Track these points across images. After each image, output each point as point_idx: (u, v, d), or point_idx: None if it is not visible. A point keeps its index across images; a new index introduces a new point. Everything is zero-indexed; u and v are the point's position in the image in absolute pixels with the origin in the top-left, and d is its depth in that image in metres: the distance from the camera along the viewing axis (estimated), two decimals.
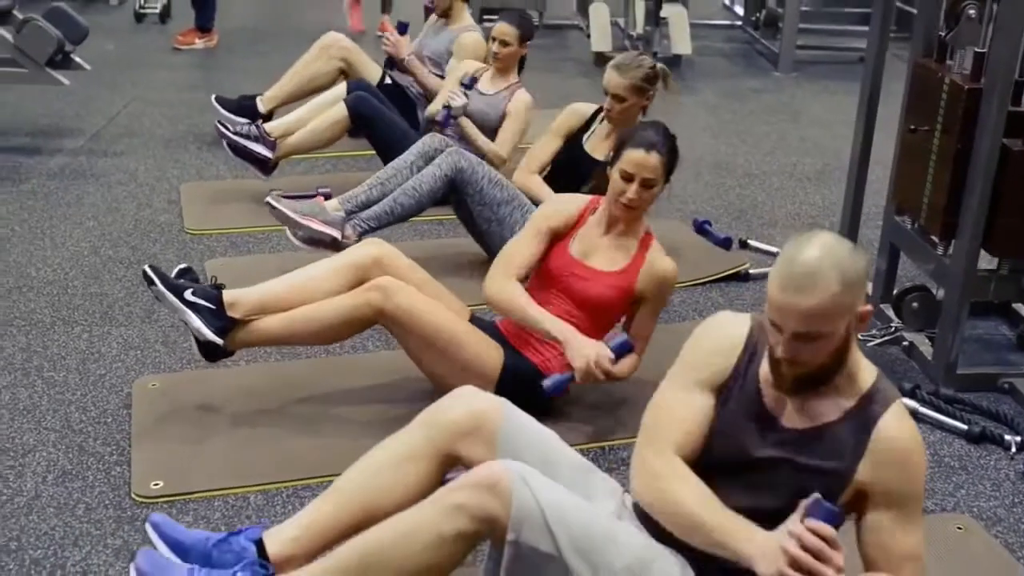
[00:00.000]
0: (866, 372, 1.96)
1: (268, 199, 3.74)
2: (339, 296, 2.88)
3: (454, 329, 2.86)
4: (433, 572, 1.96)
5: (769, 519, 1.85)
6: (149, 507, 2.61)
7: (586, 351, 2.77)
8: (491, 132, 4.32)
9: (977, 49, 3.15)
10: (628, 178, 2.83)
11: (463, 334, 2.87)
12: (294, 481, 2.73)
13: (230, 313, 2.86)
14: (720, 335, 2.05)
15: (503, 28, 4.32)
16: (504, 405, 2.18)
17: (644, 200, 2.87)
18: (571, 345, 2.80)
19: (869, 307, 1.89)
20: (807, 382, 1.92)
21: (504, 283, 2.92)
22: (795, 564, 1.75)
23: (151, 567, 2.05)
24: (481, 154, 4.13)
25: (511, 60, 4.35)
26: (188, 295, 2.85)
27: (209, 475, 2.73)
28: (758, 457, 1.95)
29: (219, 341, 2.85)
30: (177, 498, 2.64)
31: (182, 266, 2.98)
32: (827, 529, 1.76)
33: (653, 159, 2.83)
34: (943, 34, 3.34)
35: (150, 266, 2.87)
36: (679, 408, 1.99)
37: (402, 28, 4.83)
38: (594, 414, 3.08)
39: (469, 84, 4.36)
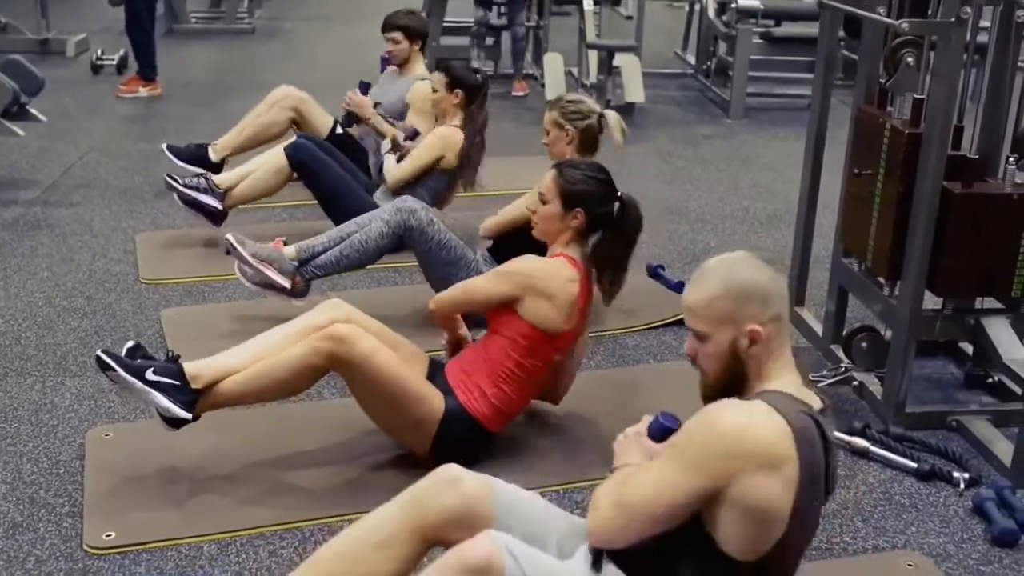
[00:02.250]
0: (772, 385, 2.00)
1: (228, 237, 3.74)
2: (291, 348, 2.85)
3: (403, 380, 2.85)
4: None
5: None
6: (101, 558, 2.59)
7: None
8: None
9: (916, 95, 3.23)
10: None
11: (411, 386, 2.87)
12: (249, 530, 2.72)
13: (194, 385, 2.81)
14: None
15: (434, 76, 4.42)
16: (493, 485, 2.17)
17: (540, 215, 3.03)
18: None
19: (758, 328, 1.95)
20: (713, 395, 2.02)
21: None
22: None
23: None
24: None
25: (441, 106, 4.40)
26: (150, 375, 2.78)
27: (162, 525, 2.72)
28: None
29: (188, 416, 2.80)
30: (130, 549, 2.63)
31: (130, 344, 2.90)
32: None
33: (548, 176, 3.01)
34: (883, 81, 3.42)
35: (104, 351, 2.79)
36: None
37: (364, 88, 4.82)
38: (544, 457, 3.10)
39: (411, 136, 4.51)
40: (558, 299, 2.94)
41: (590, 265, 3.05)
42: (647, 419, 2.23)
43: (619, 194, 3.04)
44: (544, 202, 3.02)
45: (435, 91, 4.41)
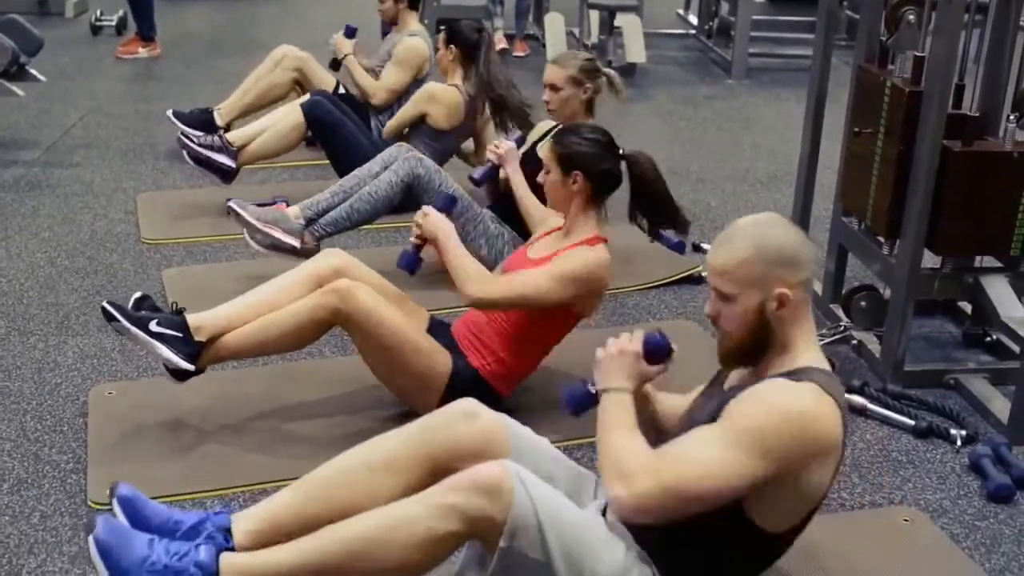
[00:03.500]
0: (807, 360, 1.97)
1: (230, 203, 3.74)
2: (296, 302, 2.89)
3: (407, 334, 2.88)
4: (414, 569, 1.93)
5: None
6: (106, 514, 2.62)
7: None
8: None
9: (917, 53, 3.23)
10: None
11: (415, 340, 2.89)
12: (251, 486, 2.74)
13: (197, 338, 2.84)
14: None
15: (437, 36, 4.48)
16: (508, 422, 2.17)
17: (547, 187, 3.00)
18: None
19: (787, 291, 1.91)
20: (734, 357, 2.01)
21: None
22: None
23: (110, 535, 1.97)
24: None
25: (441, 63, 4.47)
26: (153, 326, 2.81)
27: (165, 480, 2.74)
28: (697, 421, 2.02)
29: (191, 367, 2.83)
30: None
31: (137, 295, 2.93)
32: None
33: (547, 143, 3.04)
34: (884, 39, 3.41)
35: (108, 302, 2.82)
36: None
37: (349, 31, 4.89)
38: (546, 414, 3.10)
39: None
40: (604, 285, 2.99)
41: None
42: (637, 335, 2.13)
43: (622, 151, 3.03)
44: (547, 172, 3.00)
45: (436, 49, 4.46)
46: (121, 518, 2.09)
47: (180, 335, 2.82)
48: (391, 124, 4.51)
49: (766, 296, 1.92)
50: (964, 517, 2.76)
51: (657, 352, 2.11)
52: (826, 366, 1.98)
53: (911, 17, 3.24)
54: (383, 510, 1.95)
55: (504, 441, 2.11)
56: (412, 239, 3.04)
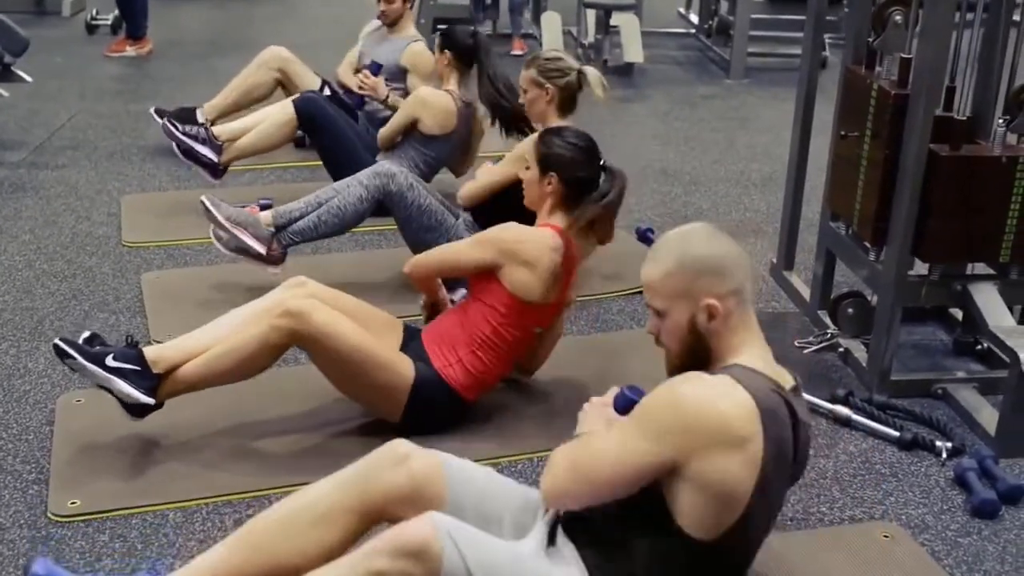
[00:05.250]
0: (734, 359, 1.96)
1: (202, 199, 3.68)
2: (249, 328, 2.79)
3: (368, 349, 2.79)
4: None
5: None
6: (65, 526, 2.56)
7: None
8: None
9: (903, 55, 3.15)
10: None
11: (377, 354, 2.81)
12: (214, 498, 2.68)
13: (155, 370, 2.76)
14: None
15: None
16: (443, 462, 2.10)
17: (525, 182, 3.00)
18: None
19: (715, 302, 1.90)
20: (675, 373, 1.98)
21: None
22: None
23: None
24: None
25: (437, 69, 4.42)
26: (110, 361, 2.73)
27: (128, 493, 2.69)
28: None
29: (151, 401, 2.76)
30: (94, 517, 2.60)
31: (86, 334, 2.83)
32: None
33: (532, 140, 3.03)
34: (871, 40, 3.34)
35: (61, 339, 2.74)
36: None
37: (375, 68, 4.72)
38: (519, 424, 3.06)
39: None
40: (539, 268, 2.88)
41: (578, 237, 3.00)
42: (614, 391, 2.20)
43: (603, 162, 2.98)
44: (527, 168, 2.99)
45: (434, 54, 4.39)
46: None
47: (138, 368, 2.74)
48: (384, 133, 4.39)
49: (695, 308, 1.92)
50: (947, 533, 2.68)
51: (625, 406, 2.13)
52: (758, 365, 1.94)
53: (898, 18, 3.16)
54: None
55: (439, 483, 2.06)
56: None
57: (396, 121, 4.36)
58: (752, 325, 1.98)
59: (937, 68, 3.01)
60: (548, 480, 1.97)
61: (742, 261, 1.96)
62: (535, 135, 3.08)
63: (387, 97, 4.65)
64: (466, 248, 3.00)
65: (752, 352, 1.96)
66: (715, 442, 1.83)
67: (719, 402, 1.84)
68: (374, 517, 2.05)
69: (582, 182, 2.94)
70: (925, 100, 3.01)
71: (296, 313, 2.72)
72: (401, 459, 2.08)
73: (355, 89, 4.77)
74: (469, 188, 3.78)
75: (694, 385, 1.88)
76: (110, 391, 2.75)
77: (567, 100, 3.66)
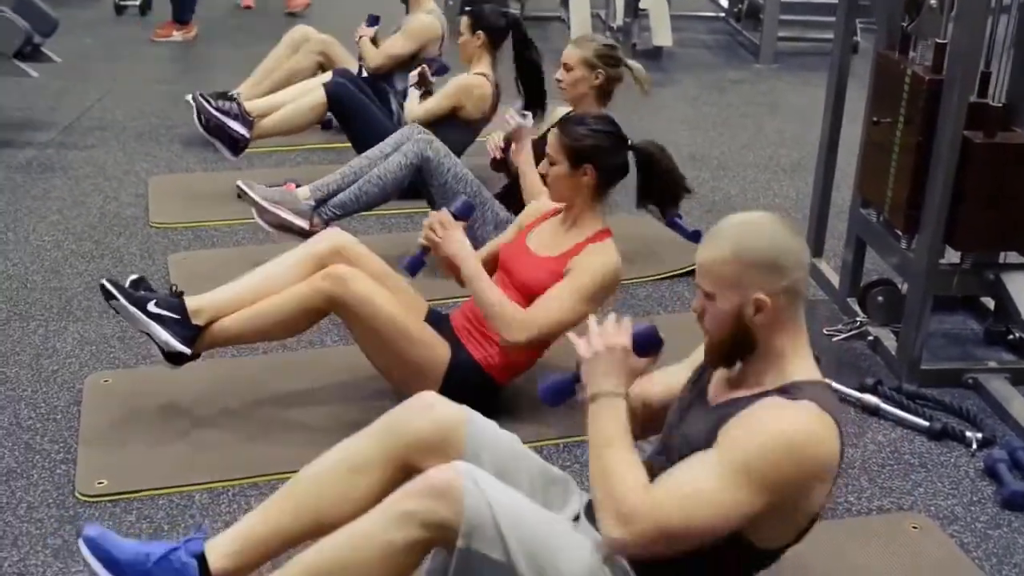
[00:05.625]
0: (799, 371, 1.88)
1: (239, 183, 3.71)
2: (291, 288, 2.84)
3: (404, 322, 2.82)
4: None
5: None
6: (92, 506, 2.58)
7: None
8: None
9: (938, 40, 3.10)
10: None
11: (413, 329, 2.83)
12: (240, 480, 2.69)
13: (195, 321, 2.80)
14: None
15: (461, 19, 4.34)
16: (468, 416, 2.12)
17: (551, 178, 2.89)
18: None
19: (765, 298, 1.82)
20: (715, 357, 1.93)
21: None
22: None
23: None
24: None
25: (466, 50, 4.34)
26: (151, 307, 2.77)
27: (155, 473, 2.70)
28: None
29: (188, 351, 2.79)
30: (121, 497, 2.61)
31: (133, 277, 2.89)
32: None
33: (551, 136, 2.88)
34: (905, 25, 3.29)
35: (108, 279, 2.79)
36: None
37: (372, 20, 4.80)
38: (550, 410, 3.03)
39: (435, 68, 4.39)
40: (617, 284, 2.94)
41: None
42: (624, 324, 1.97)
43: (629, 143, 2.94)
44: (552, 163, 2.89)
45: (460, 34, 4.34)
46: (96, 569, 2.04)
47: (178, 317, 2.79)
48: (418, 114, 4.31)
49: (743, 300, 1.84)
50: (976, 525, 2.65)
51: (649, 345, 2.00)
52: (819, 377, 1.89)
53: (933, 2, 3.11)
54: (346, 530, 1.91)
55: (460, 434, 2.07)
56: (421, 241, 2.93)
57: (437, 106, 4.31)
58: (800, 323, 1.91)
59: (972, 54, 2.97)
60: (627, 535, 1.76)
61: (801, 258, 1.87)
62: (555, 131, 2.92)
63: (360, 38, 4.87)
64: (581, 307, 2.78)
65: (802, 353, 1.90)
66: (818, 476, 1.80)
67: (823, 438, 1.78)
68: (402, 465, 2.07)
69: (619, 168, 2.90)
70: (960, 87, 2.97)
71: (338, 278, 2.76)
72: (426, 406, 2.12)
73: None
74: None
75: (792, 419, 1.77)
76: (149, 335, 2.79)
77: (609, 90, 3.66)
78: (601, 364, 1.93)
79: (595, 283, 2.83)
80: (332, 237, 2.99)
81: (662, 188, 2.96)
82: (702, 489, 1.75)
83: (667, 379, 2.15)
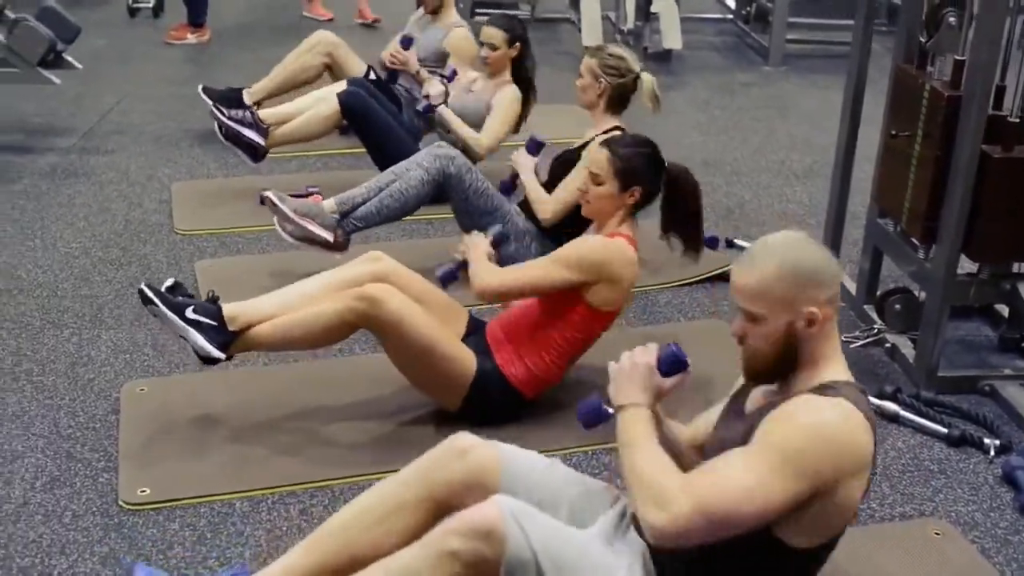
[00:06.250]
0: (834, 373, 1.96)
1: (267, 193, 3.77)
2: (326, 303, 2.90)
3: (432, 339, 2.87)
4: None
5: None
6: (136, 513, 2.65)
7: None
8: (478, 127, 4.40)
9: (957, 57, 3.17)
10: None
11: (441, 346, 2.89)
12: (280, 488, 2.76)
13: (231, 328, 2.87)
14: None
15: (489, 32, 4.34)
16: (501, 455, 2.17)
17: (593, 195, 2.98)
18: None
19: (817, 311, 1.90)
20: (762, 375, 1.99)
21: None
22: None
23: None
24: (463, 145, 4.20)
25: (500, 63, 4.38)
26: (190, 313, 2.84)
27: (196, 481, 2.77)
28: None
29: (223, 356, 2.87)
30: (163, 505, 2.68)
31: (170, 282, 2.96)
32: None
33: (600, 156, 2.96)
34: (924, 41, 3.35)
35: (147, 284, 2.86)
36: None
37: (407, 43, 4.78)
38: (574, 418, 3.10)
39: (450, 77, 4.42)
40: (623, 283, 2.97)
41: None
42: (651, 347, 2.07)
43: (666, 165, 3.03)
44: (599, 183, 2.97)
45: (494, 48, 4.31)
46: None
47: (215, 324, 2.86)
48: (499, 136, 4.36)
49: (795, 316, 1.91)
50: (996, 531, 2.73)
51: (673, 366, 2.06)
52: (851, 378, 1.97)
53: (952, 19, 3.18)
54: (383, 565, 1.98)
55: (495, 477, 2.14)
56: (456, 255, 3.09)
57: (509, 124, 4.40)
58: (836, 328, 2.00)
59: (990, 71, 3.03)
60: (666, 518, 1.80)
61: (837, 268, 1.97)
62: (597, 148, 3.03)
63: (418, 72, 4.73)
64: (553, 269, 2.95)
65: (836, 356, 1.98)
66: (852, 470, 1.86)
67: (857, 432, 1.85)
68: (440, 505, 2.13)
69: (658, 190, 3.02)
70: (978, 103, 3.04)
71: (372, 299, 2.82)
72: (461, 452, 2.17)
73: (387, 63, 4.87)
74: (551, 208, 3.72)
75: (829, 414, 1.85)
76: (185, 339, 2.86)
77: (617, 99, 3.73)
78: (625, 378, 2.04)
79: (577, 251, 2.97)
80: (375, 262, 3.05)
81: (685, 213, 3.05)
82: (738, 474, 1.83)
83: (712, 418, 2.21)
